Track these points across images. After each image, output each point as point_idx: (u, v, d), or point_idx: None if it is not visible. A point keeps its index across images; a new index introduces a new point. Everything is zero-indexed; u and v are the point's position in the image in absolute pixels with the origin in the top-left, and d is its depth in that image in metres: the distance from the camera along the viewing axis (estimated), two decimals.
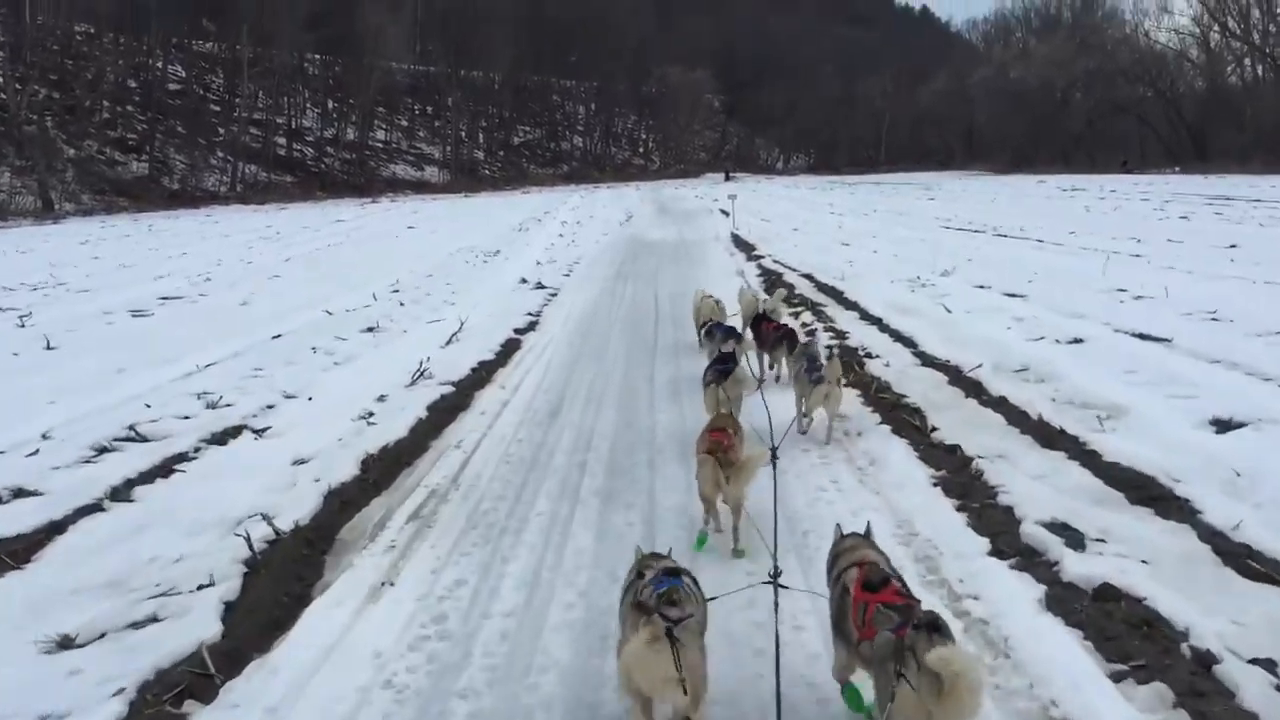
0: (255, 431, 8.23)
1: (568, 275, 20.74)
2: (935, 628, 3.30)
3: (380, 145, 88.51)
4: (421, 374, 10.12)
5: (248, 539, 5.53)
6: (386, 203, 62.46)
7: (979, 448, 7.00)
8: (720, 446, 5.88)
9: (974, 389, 8.78)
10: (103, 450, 7.57)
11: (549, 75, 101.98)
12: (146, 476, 7.03)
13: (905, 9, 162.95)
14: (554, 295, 17.45)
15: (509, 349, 12.10)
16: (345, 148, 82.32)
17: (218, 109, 75.49)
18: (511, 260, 23.73)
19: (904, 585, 3.85)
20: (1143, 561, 4.94)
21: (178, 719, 4.13)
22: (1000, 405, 8.16)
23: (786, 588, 4.24)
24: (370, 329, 13.40)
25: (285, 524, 5.95)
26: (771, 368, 10.43)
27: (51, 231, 38.04)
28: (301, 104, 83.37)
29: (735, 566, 5.48)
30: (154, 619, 4.90)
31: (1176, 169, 69.96)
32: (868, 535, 4.41)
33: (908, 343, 11.23)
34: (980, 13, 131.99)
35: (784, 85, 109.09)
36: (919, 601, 3.75)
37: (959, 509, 5.99)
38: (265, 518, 5.98)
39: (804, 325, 12.63)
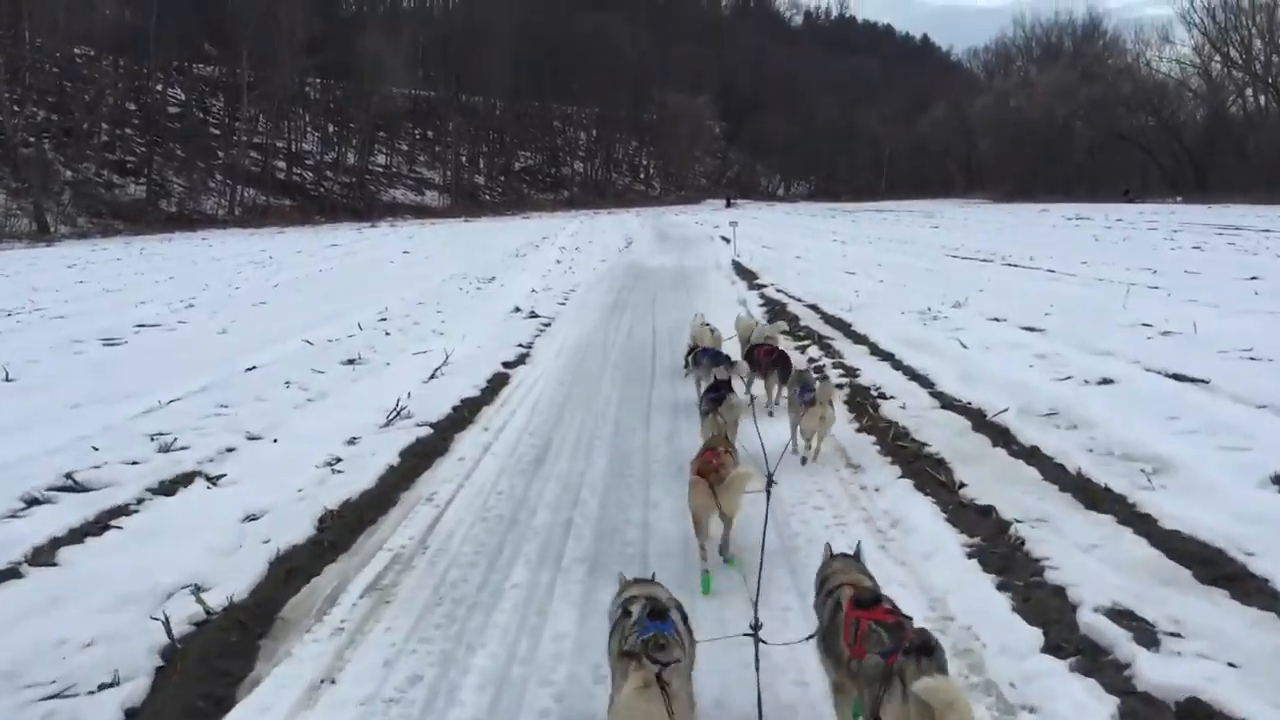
0: (209, 479, 7.43)
1: (563, 304, 20.00)
2: (926, 651, 3.24)
3: (380, 169, 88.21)
4: (398, 413, 9.33)
5: (166, 623, 4.72)
6: (385, 227, 61.97)
7: (1016, 509, 6.19)
8: (711, 466, 5.91)
9: (1001, 436, 7.98)
10: (33, 502, 6.77)
11: (550, 101, 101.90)
12: (77, 534, 6.22)
13: (906, 38, 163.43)
14: (547, 325, 16.70)
15: (496, 385, 11.32)
16: (345, 172, 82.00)
17: (217, 132, 75.17)
18: (506, 287, 23.00)
19: (894, 606, 3.78)
20: (1230, 665, 4.12)
21: None
22: (1033, 456, 7.36)
23: (766, 642, 4.12)
24: (350, 361, 12.62)
25: (220, 598, 5.15)
26: (772, 400, 10.21)
27: (42, 255, 37.36)
28: (302, 128, 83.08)
29: (729, 599, 5.33)
30: None
31: (1179, 198, 69.65)
32: (857, 556, 4.40)
33: (923, 382, 10.45)
34: (981, 42, 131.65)
35: (785, 113, 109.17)
36: (910, 619, 3.67)
37: (1001, 587, 5.17)
38: (197, 590, 5.19)
39: (811, 361, 11.87)
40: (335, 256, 35.16)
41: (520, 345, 14.12)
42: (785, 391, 9.45)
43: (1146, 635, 4.41)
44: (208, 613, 4.97)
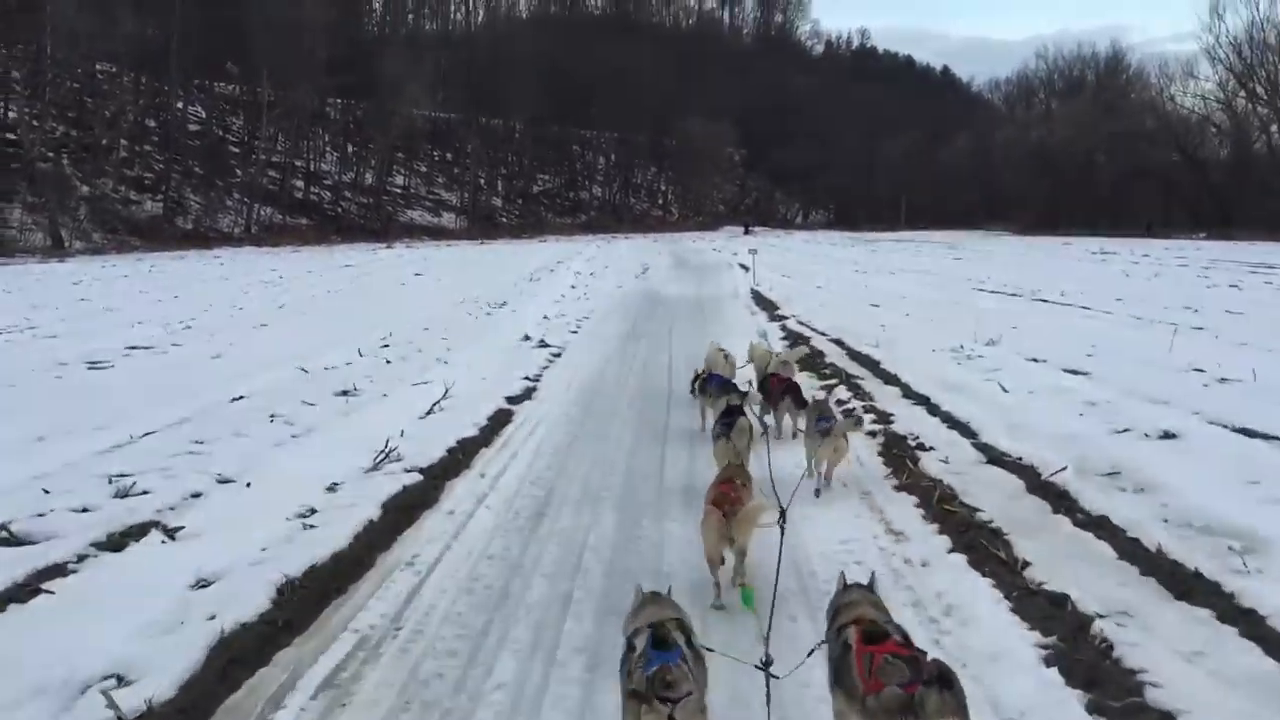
0: (166, 532, 6.58)
1: (575, 332, 19.17)
2: (946, 683, 3.22)
3: (398, 190, 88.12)
4: (386, 455, 8.47)
5: None
6: (400, 248, 61.55)
7: (1094, 598, 5.26)
8: (726, 498, 5.82)
9: (1061, 501, 7.05)
10: None
11: (569, 125, 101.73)
12: None
13: (926, 69, 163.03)
14: (558, 355, 15.85)
15: (497, 423, 10.45)
16: (363, 192, 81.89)
17: (236, 150, 75.16)
18: (518, 313, 22.20)
19: (906, 639, 3.75)
20: None
21: None
22: (1101, 528, 6.42)
23: (777, 677, 3.99)
24: (344, 392, 11.79)
25: (142, 696, 4.28)
26: (781, 428, 10.15)
27: (51, 270, 36.88)
28: (320, 147, 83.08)
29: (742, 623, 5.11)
30: None
31: (1203, 234, 68.62)
32: (871, 587, 4.33)
33: (965, 431, 9.51)
34: (1003, 74, 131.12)
35: (805, 141, 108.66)
36: (925, 654, 3.62)
37: (1092, 709, 4.23)
38: (117, 685, 4.32)
39: (840, 403, 10.95)
40: (346, 278, 34.51)
41: (527, 378, 13.25)
42: (801, 421, 9.48)
43: None
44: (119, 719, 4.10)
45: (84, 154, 62.05)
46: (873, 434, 9.61)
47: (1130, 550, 6.00)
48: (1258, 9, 77.45)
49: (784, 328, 19.59)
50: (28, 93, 57.97)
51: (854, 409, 10.81)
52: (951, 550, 6.23)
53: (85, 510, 6.85)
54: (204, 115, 75.77)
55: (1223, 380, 11.85)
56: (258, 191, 68.19)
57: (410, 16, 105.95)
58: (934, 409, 10.71)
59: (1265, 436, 8.73)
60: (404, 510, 7.15)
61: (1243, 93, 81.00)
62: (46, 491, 7.21)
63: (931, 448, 8.83)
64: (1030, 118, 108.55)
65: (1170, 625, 4.91)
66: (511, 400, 11.65)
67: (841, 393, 11.98)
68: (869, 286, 29.41)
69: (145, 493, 7.29)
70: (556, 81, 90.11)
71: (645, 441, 9.80)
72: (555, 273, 36.55)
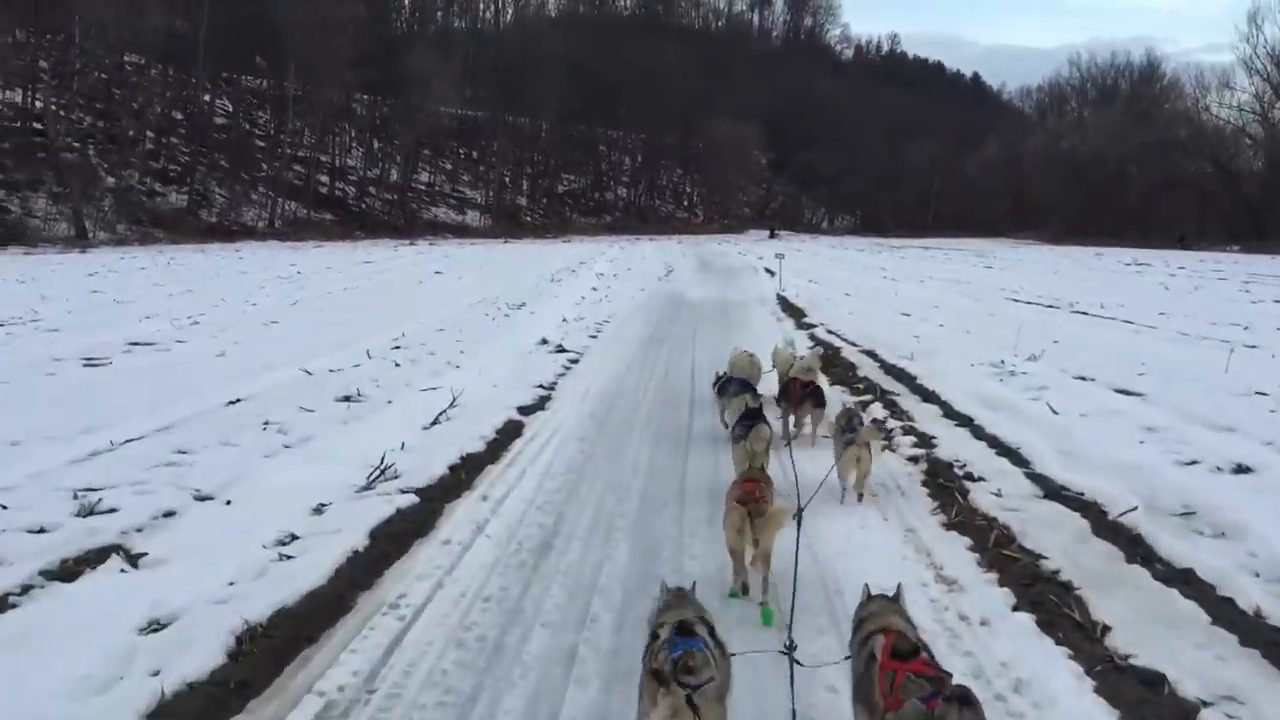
0: (128, 558, 5.90)
1: (595, 336, 18.43)
2: (966, 702, 3.21)
3: (423, 187, 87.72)
4: (382, 472, 7.75)
5: None
6: (423, 245, 61.15)
7: (1193, 677, 4.44)
8: (751, 497, 5.77)
9: (1135, 547, 6.22)
10: None
11: (596, 125, 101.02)
12: None
13: (956, 75, 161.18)
14: (575, 361, 15.11)
15: (506, 436, 9.70)
16: (388, 188, 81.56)
17: (262, 145, 74.99)
18: (537, 315, 21.51)
19: (933, 658, 3.71)
20: None
21: None
22: (1187, 583, 5.59)
23: (801, 664, 4.09)
24: (346, 398, 11.11)
25: None
26: (797, 425, 10.13)
27: (70, 261, 36.59)
28: (346, 143, 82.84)
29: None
30: None
31: (1236, 247, 67.13)
32: (897, 598, 4.29)
33: (1015, 458, 8.68)
34: (1033, 81, 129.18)
35: (832, 145, 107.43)
36: (950, 675, 3.58)
37: None
38: None
39: (876, 422, 10.13)
40: (365, 274, 33.97)
41: (541, 386, 12.51)
42: (822, 427, 9.65)
43: None
44: None
45: (110, 145, 62.03)
46: (914, 460, 8.79)
47: (1224, 613, 5.17)
48: None
49: (812, 336, 18.75)
50: (55, 83, 57.97)
51: (892, 430, 10.00)
52: (1016, 608, 5.39)
53: (42, 531, 6.17)
54: (231, 108, 75.63)
55: None
56: (282, 186, 67.93)
57: (439, 14, 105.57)
58: (979, 431, 9.87)
59: None
60: (395, 539, 6.41)
61: (1279, 104, 79.29)
62: (3, 507, 6.54)
63: (981, 478, 7.99)
64: (1062, 126, 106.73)
65: None
66: (523, 410, 10.91)
67: (877, 410, 11.15)
68: (899, 294, 28.51)
69: (112, 510, 6.60)
70: (584, 81, 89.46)
71: (665, 462, 9.02)
72: (577, 274, 35.85)
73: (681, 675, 3.36)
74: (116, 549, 5.98)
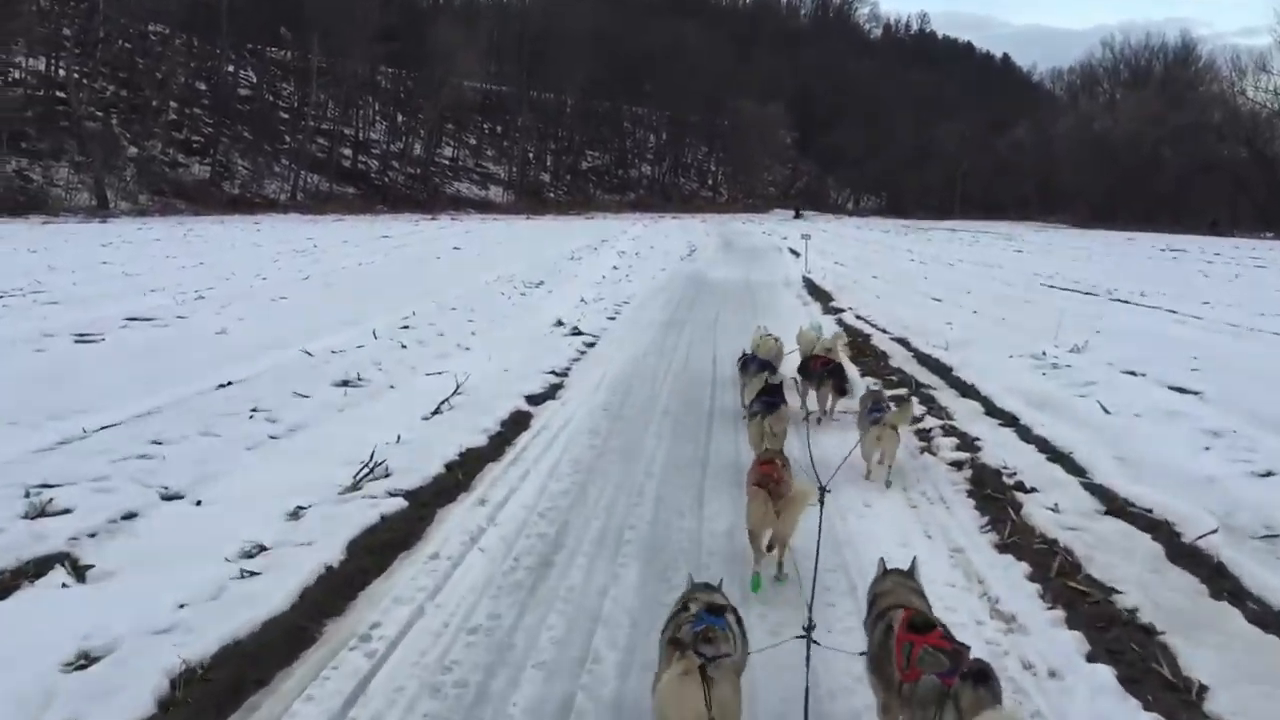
0: (75, 569, 5.23)
1: (613, 318, 17.67)
2: (983, 678, 3.19)
3: (446, 162, 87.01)
4: (370, 471, 7.05)
5: None
6: (444, 220, 60.51)
7: None
8: (770, 479, 5.74)
9: (1219, 579, 5.43)
10: None
11: (621, 102, 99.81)
12: None
13: (986, 56, 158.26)
14: (591, 345, 14.36)
15: (512, 429, 8.97)
16: (411, 162, 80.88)
17: (286, 117, 74.45)
18: (554, 294, 20.78)
19: (948, 632, 3.66)
20: None
21: None
22: None
23: (819, 644, 4.01)
24: (345, 382, 10.43)
25: None
26: (820, 404, 10.05)
27: (86, 230, 36.17)
28: (370, 116, 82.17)
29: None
30: None
31: (1270, 234, 65.44)
32: (912, 573, 4.26)
33: (1069, 465, 7.86)
34: (1065, 63, 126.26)
35: (859, 125, 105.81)
36: (968, 648, 3.53)
37: None
38: None
39: (915, 421, 9.31)
40: (382, 249, 33.31)
41: (553, 372, 11.77)
42: (843, 404, 9.75)
43: None
44: None
45: (133, 115, 61.71)
46: (958, 465, 7.98)
47: None
48: None
49: (840, 322, 17.89)
50: (78, 51, 57.56)
51: (930, 430, 9.20)
52: (1091, 657, 4.58)
53: None
54: (255, 80, 75.08)
55: None
56: (305, 158, 67.41)
57: None
58: (1025, 433, 9.06)
59: None
60: (375, 552, 5.69)
61: None
62: None
63: (1033, 488, 7.18)
64: (1094, 108, 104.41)
65: None
66: (532, 400, 10.17)
67: (915, 409, 10.32)
68: (928, 278, 27.55)
69: (65, 512, 5.94)
70: (609, 57, 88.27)
71: (683, 462, 8.25)
72: (598, 252, 35.04)
73: (700, 645, 3.47)
74: (62, 559, 5.31)
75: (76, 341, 12.55)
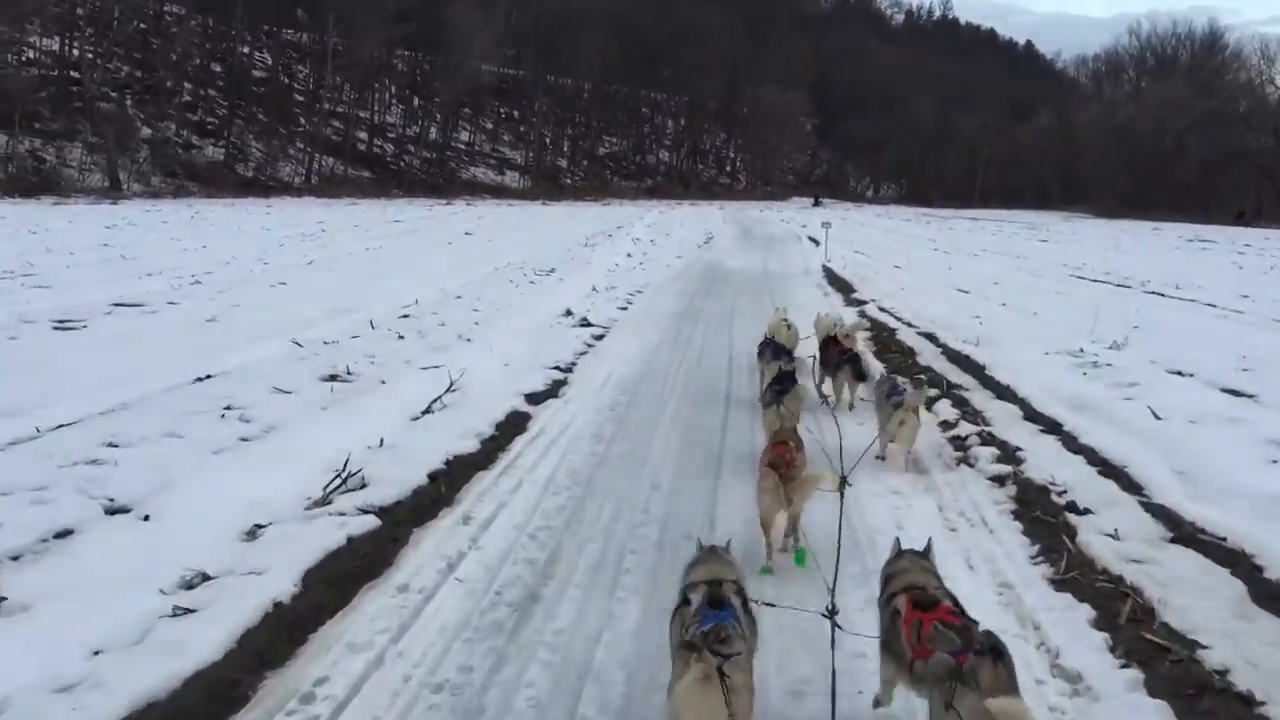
0: None
1: (625, 308, 16.90)
2: (997, 654, 3.19)
3: (463, 147, 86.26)
4: (343, 481, 6.32)
5: None
6: (459, 205, 59.84)
7: None
8: (783, 461, 5.75)
9: None
10: None
11: (639, 87, 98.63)
12: None
13: (1009, 43, 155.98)
14: (600, 337, 13.60)
15: (507, 432, 8.21)
16: (426, 147, 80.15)
17: (301, 99, 73.81)
18: (565, 282, 20.01)
19: (958, 605, 3.68)
20: None
21: None
22: None
23: (841, 628, 3.90)
24: (334, 376, 9.70)
25: None
26: (840, 398, 9.95)
27: (94, 212, 35.62)
28: (386, 100, 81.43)
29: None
30: None
31: None
32: (926, 554, 4.23)
33: (1124, 480, 7.03)
34: (1090, 50, 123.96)
35: (879, 112, 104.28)
36: (977, 623, 3.54)
37: None
38: None
39: (946, 426, 8.52)
40: (392, 234, 32.64)
41: (557, 367, 11.02)
42: (861, 390, 9.72)
43: None
44: None
45: (147, 96, 61.23)
46: (999, 481, 7.18)
47: None
48: None
49: (863, 315, 17.06)
50: (92, 33, 57.04)
51: (966, 438, 8.39)
52: None
53: None
54: (270, 62, 74.46)
55: None
56: (320, 142, 66.74)
57: None
58: (1071, 441, 8.22)
59: None
60: (336, 583, 4.94)
61: None
62: None
63: (1087, 509, 6.37)
64: (1118, 96, 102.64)
65: None
66: (532, 399, 9.42)
67: (945, 409, 9.52)
68: (953, 268, 26.64)
69: None
70: (628, 42, 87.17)
71: (693, 473, 7.47)
72: (613, 238, 34.23)
73: (713, 645, 3.41)
74: None
75: (55, 328, 11.90)
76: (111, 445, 6.88)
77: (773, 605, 4.34)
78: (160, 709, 3.72)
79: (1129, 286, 23.19)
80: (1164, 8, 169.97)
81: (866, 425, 8.59)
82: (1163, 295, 21.31)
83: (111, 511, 5.71)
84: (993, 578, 5.48)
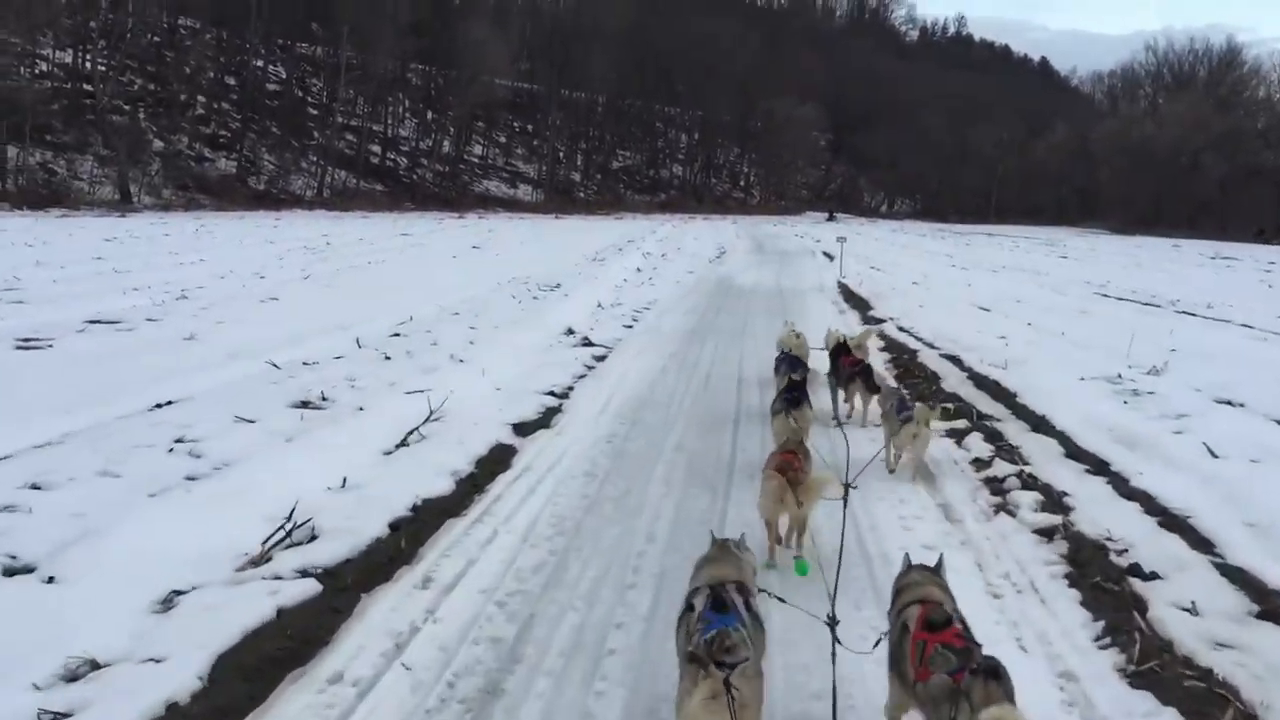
0: None
1: (630, 326, 16.07)
2: (994, 674, 3.17)
3: (476, 160, 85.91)
4: (288, 534, 5.47)
5: None
6: (471, 219, 59.41)
7: None
8: (790, 466, 5.72)
9: None
10: None
11: (653, 101, 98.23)
12: None
13: (1023, 59, 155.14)
14: (601, 359, 12.74)
15: (488, 469, 7.34)
16: (440, 160, 79.79)
17: (315, 113, 73.55)
18: (570, 298, 19.18)
19: (966, 627, 3.64)
20: None
21: None
22: None
23: (840, 643, 3.86)
24: (305, 403, 8.86)
25: None
26: (853, 410, 9.97)
27: (98, 224, 35.10)
28: (399, 113, 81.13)
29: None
30: None
31: None
32: (938, 569, 4.16)
33: (1189, 534, 6.11)
34: (1106, 66, 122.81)
35: (893, 128, 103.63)
36: (980, 646, 3.52)
37: None
38: None
39: (977, 462, 7.60)
40: (397, 248, 31.95)
41: (552, 393, 10.16)
42: (875, 404, 9.58)
43: None
44: None
45: (160, 109, 61.00)
46: (1046, 535, 6.25)
47: None
48: None
49: (882, 334, 16.16)
50: (104, 46, 56.81)
51: (1004, 480, 7.46)
52: None
53: None
54: (284, 75, 74.26)
55: None
56: (333, 155, 66.36)
57: None
58: (1121, 484, 7.29)
59: None
60: (252, 674, 4.06)
61: None
62: None
63: (1153, 573, 5.44)
64: (1134, 112, 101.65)
65: None
66: (520, 429, 8.56)
67: (977, 445, 8.60)
68: (972, 285, 25.70)
69: None
70: (642, 57, 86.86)
71: (694, 520, 6.57)
72: (623, 252, 33.45)
73: (719, 656, 3.34)
74: None
75: (18, 348, 11.13)
76: (34, 487, 6.06)
77: (782, 601, 4.31)
78: None
79: (1158, 305, 22.21)
80: (1180, 25, 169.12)
81: (878, 441, 8.28)
82: (1193, 315, 20.33)
83: (11, 572, 4.87)
84: (1050, 665, 4.56)
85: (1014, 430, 9.25)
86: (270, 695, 4.02)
